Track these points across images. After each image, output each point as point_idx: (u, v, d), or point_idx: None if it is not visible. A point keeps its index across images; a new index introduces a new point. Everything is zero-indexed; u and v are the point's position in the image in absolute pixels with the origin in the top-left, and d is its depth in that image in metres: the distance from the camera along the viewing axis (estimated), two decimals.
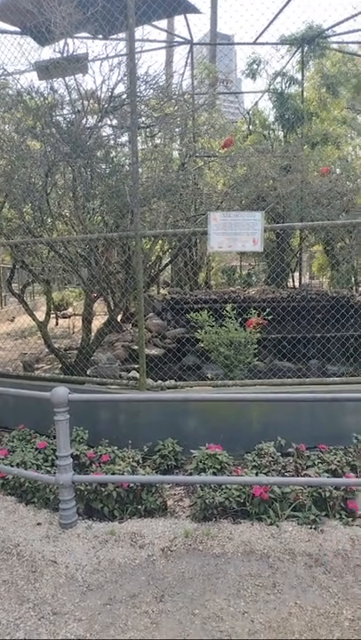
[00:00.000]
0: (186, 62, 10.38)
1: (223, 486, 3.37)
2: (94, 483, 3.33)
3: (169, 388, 4.59)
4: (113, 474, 3.43)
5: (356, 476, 3.82)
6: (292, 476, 3.64)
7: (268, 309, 6.55)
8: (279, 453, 3.89)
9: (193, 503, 3.47)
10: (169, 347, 8.35)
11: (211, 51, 13.45)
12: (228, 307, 5.75)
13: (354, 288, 10.80)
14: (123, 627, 2.35)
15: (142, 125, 5.22)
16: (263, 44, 10.34)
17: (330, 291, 10.22)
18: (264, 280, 13.77)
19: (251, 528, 3.18)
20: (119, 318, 10.88)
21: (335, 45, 10.79)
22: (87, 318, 6.78)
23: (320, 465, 3.61)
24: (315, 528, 3.15)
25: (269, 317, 6.05)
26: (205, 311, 6.32)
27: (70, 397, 3.14)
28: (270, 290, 10.02)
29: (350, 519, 3.25)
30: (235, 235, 4.14)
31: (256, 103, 12.62)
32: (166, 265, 12.61)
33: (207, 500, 3.22)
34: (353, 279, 11.88)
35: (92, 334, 6.77)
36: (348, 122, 12.80)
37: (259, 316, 6.06)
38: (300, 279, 11.97)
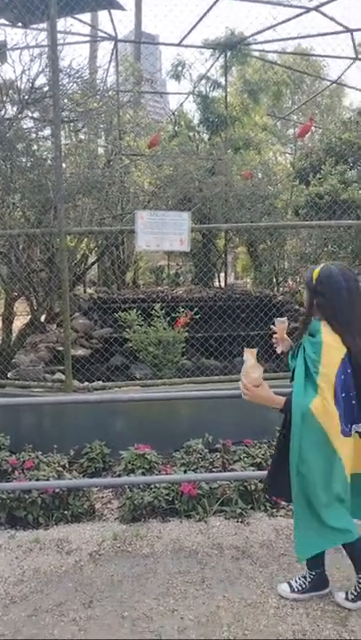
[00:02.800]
0: (110, 58, 10.24)
1: (152, 486, 3.37)
2: (17, 490, 3.18)
3: (96, 389, 4.50)
4: (37, 480, 3.30)
5: None
6: (220, 471, 3.71)
7: (195, 309, 6.65)
8: (207, 450, 3.95)
9: (122, 505, 3.42)
10: (96, 347, 8.20)
11: (135, 49, 13.40)
12: (157, 306, 5.76)
13: (275, 288, 11.25)
14: (49, 636, 2.26)
15: (66, 119, 5.07)
16: (188, 46, 10.44)
17: (253, 290, 10.58)
18: (191, 280, 13.97)
19: (180, 525, 3.20)
20: (43, 318, 10.51)
21: (256, 53, 11.18)
22: (7, 318, 6.49)
23: (246, 459, 3.71)
24: (241, 521, 3.24)
25: (197, 316, 6.14)
26: (134, 310, 6.27)
27: None
28: (197, 289, 10.18)
29: (275, 510, 3.37)
30: (162, 234, 4.15)
31: (181, 104, 12.77)
32: (93, 264, 12.37)
33: (136, 501, 3.20)
34: (274, 279, 12.39)
35: (13, 335, 6.48)
36: (269, 128, 13.33)
37: (186, 315, 6.13)
38: (225, 279, 12.27)
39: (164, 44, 10.52)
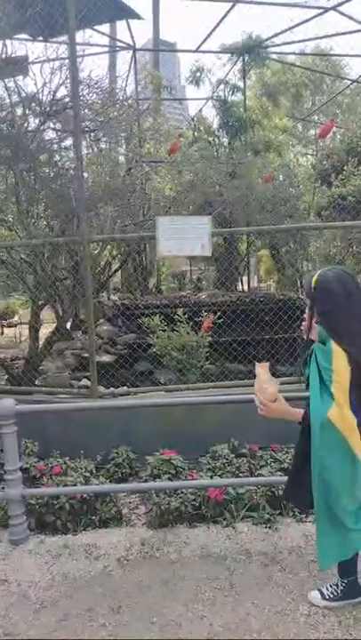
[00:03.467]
0: (129, 68, 10.38)
1: (179, 491, 3.36)
2: (46, 496, 3.22)
3: (121, 394, 4.53)
4: (65, 485, 3.33)
5: None
6: (247, 476, 3.68)
7: (218, 313, 6.62)
8: (233, 455, 3.92)
9: (149, 510, 3.43)
10: (120, 353, 8.25)
11: (154, 57, 13.56)
12: (180, 311, 5.77)
13: (299, 290, 11.13)
14: None
15: (86, 129, 5.15)
16: (205, 51, 10.51)
17: (277, 293, 10.49)
18: (214, 284, 13.95)
19: (207, 531, 3.18)
20: (68, 325, 10.66)
21: (275, 56, 11.15)
22: (34, 326, 6.60)
23: (273, 464, 3.67)
24: (269, 527, 3.20)
25: (220, 321, 6.12)
26: (157, 316, 6.30)
27: (18, 409, 3.03)
28: (220, 294, 10.15)
29: (303, 516, 3.32)
30: (183, 239, 4.16)
31: (200, 110, 12.82)
32: (116, 270, 12.49)
33: (162, 507, 3.19)
34: (298, 282, 12.26)
35: (40, 343, 6.59)
36: (289, 130, 13.25)
37: (209, 319, 6.12)
38: (248, 283, 12.21)
39: (181, 50, 10.59)
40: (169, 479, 3.53)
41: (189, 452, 4.14)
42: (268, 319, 7.19)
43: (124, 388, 5.42)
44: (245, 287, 12.49)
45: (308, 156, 15.66)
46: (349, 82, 13.33)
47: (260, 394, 2.23)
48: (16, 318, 15.55)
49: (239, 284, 13.11)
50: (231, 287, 11.60)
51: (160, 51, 12.18)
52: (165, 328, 5.79)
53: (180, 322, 5.69)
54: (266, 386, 2.22)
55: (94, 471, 3.81)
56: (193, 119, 12.69)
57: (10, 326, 14.88)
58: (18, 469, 3.07)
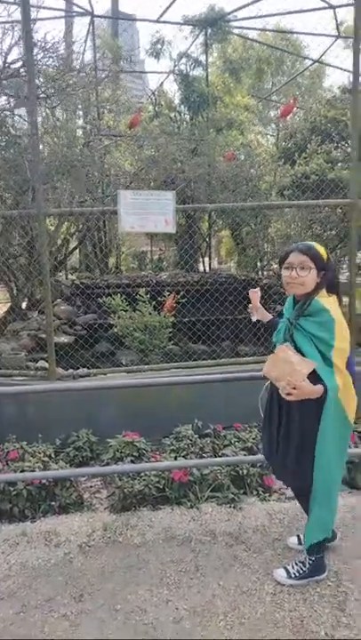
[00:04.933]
0: (87, 35, 9.88)
1: (142, 474, 3.28)
2: (1, 483, 3.05)
3: (81, 376, 4.37)
4: (22, 471, 3.18)
5: None
6: (211, 457, 3.64)
7: (180, 293, 6.52)
8: (197, 436, 3.87)
9: (111, 494, 3.34)
10: (80, 334, 8.04)
11: (113, 26, 13.00)
12: (142, 290, 5.62)
13: (260, 272, 11.17)
14: (39, 634, 2.17)
15: (41, 96, 4.84)
16: (167, 22, 10.11)
17: (239, 274, 10.49)
18: (175, 264, 13.80)
19: (171, 513, 3.12)
20: (24, 305, 10.28)
21: (237, 31, 10.91)
22: None
23: (236, 444, 3.65)
24: (234, 507, 3.17)
25: (183, 301, 6.02)
26: (118, 295, 6.13)
27: None
28: (182, 274, 10.03)
29: (267, 494, 3.32)
30: (146, 215, 3.99)
31: (162, 84, 12.45)
32: (74, 248, 12.13)
33: (125, 490, 3.10)
34: (259, 263, 12.31)
35: None
36: (251, 108, 13.09)
37: (173, 298, 6.01)
38: (209, 263, 12.14)
39: (142, 19, 10.17)
40: (132, 462, 3.44)
41: (153, 433, 4.06)
42: (231, 299, 7.15)
43: (85, 369, 5.26)
44: (207, 268, 12.42)
45: (269, 137, 15.62)
46: (310, 62, 13.30)
47: (293, 376, 2.14)
48: None
49: (200, 264, 13.03)
50: (192, 268, 11.50)
51: (120, 19, 11.67)
52: (127, 308, 5.63)
53: (143, 302, 5.55)
54: (299, 368, 2.14)
55: (53, 455, 3.67)
56: (153, 93, 12.31)
57: None
58: None
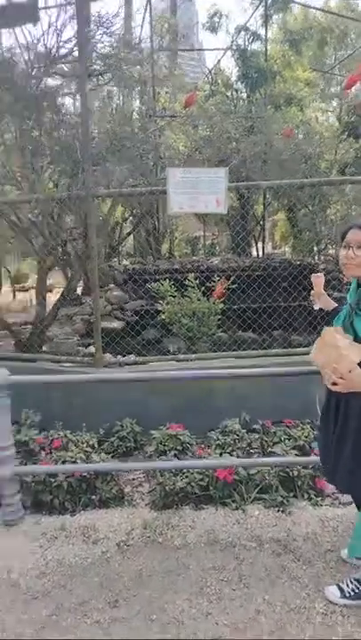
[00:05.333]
0: (145, 11, 9.62)
1: (185, 469, 3.11)
2: (42, 474, 2.99)
3: (128, 364, 4.25)
4: (63, 462, 3.11)
5: None
6: (259, 454, 3.42)
7: (231, 278, 6.25)
8: (245, 430, 3.66)
9: (153, 489, 3.20)
10: (129, 319, 8.00)
11: (171, 5, 12.63)
12: (191, 276, 5.40)
13: (317, 256, 10.63)
14: None
15: (95, 72, 4.68)
16: None
17: (293, 259, 10.03)
18: (227, 249, 13.48)
19: (215, 514, 2.94)
20: (79, 290, 10.38)
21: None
22: (41, 291, 6.31)
23: (287, 441, 3.40)
24: (283, 511, 2.94)
25: (233, 286, 5.76)
26: (167, 281, 5.96)
27: (11, 379, 2.76)
28: (233, 259, 9.73)
29: (319, 499, 3.06)
30: (196, 194, 3.76)
31: (219, 61, 12.03)
32: (128, 234, 12.11)
33: (167, 487, 2.95)
34: (315, 248, 11.75)
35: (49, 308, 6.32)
36: (312, 83, 12.39)
37: (222, 284, 5.76)
38: (263, 248, 11.71)
39: None
40: (175, 456, 3.29)
41: (198, 425, 3.89)
42: (285, 285, 6.80)
43: (131, 356, 5.17)
44: (260, 253, 12.01)
45: (329, 113, 14.75)
46: None
47: (340, 362, 1.86)
48: (30, 282, 15.27)
49: (253, 249, 12.62)
50: (245, 252, 11.13)
51: None
52: (175, 294, 5.44)
53: (191, 287, 5.34)
54: (346, 352, 1.85)
55: (96, 445, 3.58)
56: (210, 71, 11.90)
57: (22, 290, 14.64)
58: (11, 445, 2.83)
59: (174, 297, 5.36)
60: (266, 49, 10.24)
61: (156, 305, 6.23)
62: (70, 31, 5.03)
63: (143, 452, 3.84)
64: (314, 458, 2.92)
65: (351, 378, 1.86)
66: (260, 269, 8.34)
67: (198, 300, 5.37)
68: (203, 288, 5.64)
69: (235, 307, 6.92)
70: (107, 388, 4.06)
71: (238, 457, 3.28)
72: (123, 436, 3.78)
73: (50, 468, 2.96)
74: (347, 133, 8.27)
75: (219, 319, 5.50)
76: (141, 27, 9.31)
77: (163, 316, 5.49)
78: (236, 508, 2.97)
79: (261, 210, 11.34)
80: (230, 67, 11.40)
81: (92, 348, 6.25)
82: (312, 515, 2.93)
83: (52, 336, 6.59)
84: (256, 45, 10.42)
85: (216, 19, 10.19)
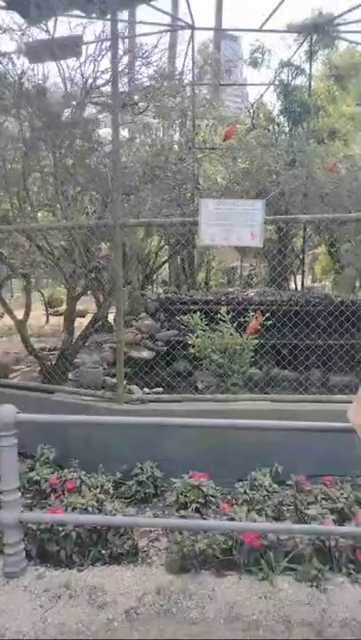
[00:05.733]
0: (187, 47, 9.76)
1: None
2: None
3: (151, 401, 3.99)
4: (74, 509, 2.84)
5: None
6: (292, 516, 3.06)
7: (267, 313, 5.97)
8: (275, 484, 3.31)
9: (170, 545, 2.88)
10: (160, 349, 7.79)
11: (216, 40, 12.85)
12: (223, 309, 5.15)
13: (360, 293, 10.21)
14: None
15: (131, 102, 4.63)
16: (270, 31, 9.70)
17: (334, 295, 9.64)
18: (265, 282, 13.20)
19: (238, 584, 2.59)
20: (111, 317, 10.28)
21: (345, 35, 10.18)
22: (69, 316, 6.21)
23: (324, 502, 3.03)
24: (317, 586, 2.56)
25: (268, 323, 5.45)
26: (198, 313, 5.73)
27: (19, 418, 2.55)
28: (270, 292, 9.43)
29: (359, 574, 2.66)
30: (230, 226, 3.55)
31: (261, 96, 12.01)
32: (164, 262, 12.04)
33: (186, 549, 2.63)
34: (358, 283, 11.31)
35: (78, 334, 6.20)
36: (358, 117, 12.18)
37: (256, 318, 5.48)
38: (302, 281, 11.37)
39: (243, 30, 9.83)
40: (197, 510, 2.97)
41: (224, 475, 3.57)
42: (325, 324, 6.44)
43: (156, 392, 4.94)
44: (298, 286, 11.66)
45: None
46: None
47: None
48: (64, 307, 15.40)
49: (292, 282, 12.29)
50: (283, 285, 10.82)
51: (221, 30, 11.44)
52: (205, 328, 5.19)
53: (223, 321, 5.08)
54: None
55: (112, 489, 3.30)
56: (252, 105, 11.91)
57: (56, 315, 14.76)
58: (16, 489, 2.60)
59: (204, 331, 5.10)
60: (310, 83, 10.14)
61: (187, 336, 5.99)
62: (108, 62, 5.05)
63: (163, 499, 3.53)
64: (355, 529, 2.55)
65: None
66: (297, 304, 8.01)
67: (231, 334, 5.09)
68: (236, 322, 5.38)
69: (270, 342, 6.60)
70: (127, 426, 3.81)
71: (267, 516, 2.92)
72: (142, 480, 3.49)
73: (56, 517, 2.69)
74: None
75: (252, 356, 5.19)
76: (184, 59, 9.41)
77: (192, 350, 5.23)
78: (263, 579, 2.61)
79: (301, 243, 11.06)
80: (272, 101, 11.33)
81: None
82: (352, 594, 2.54)
83: (79, 363, 6.44)
84: (299, 80, 10.36)
85: (258, 54, 10.19)
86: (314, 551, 2.69)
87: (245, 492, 3.15)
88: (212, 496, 3.10)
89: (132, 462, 3.69)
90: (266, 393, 5.26)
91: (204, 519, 2.90)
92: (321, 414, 3.74)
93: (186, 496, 3.06)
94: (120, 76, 4.04)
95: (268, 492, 3.14)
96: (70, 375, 5.98)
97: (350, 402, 3.60)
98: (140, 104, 4.88)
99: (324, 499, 3.07)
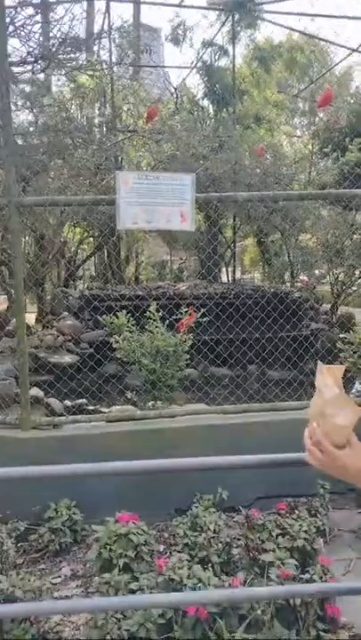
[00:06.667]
0: (103, 21, 8.95)
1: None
2: None
3: (66, 423, 3.25)
4: None
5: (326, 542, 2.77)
6: (240, 558, 2.48)
7: (202, 309, 5.42)
8: (222, 513, 2.73)
9: (89, 624, 2.19)
10: (86, 352, 7.02)
11: (135, 16, 11.99)
12: (152, 306, 4.48)
13: (291, 283, 9.99)
14: None
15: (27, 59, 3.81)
16: (190, 7, 9.16)
17: (267, 286, 9.33)
18: (195, 274, 12.76)
19: None
20: (33, 318, 9.35)
21: (268, 16, 9.84)
22: None
23: (280, 538, 2.48)
24: None
25: (204, 319, 4.89)
26: (124, 311, 5.04)
27: None
28: (202, 285, 8.93)
29: (330, 634, 2.13)
30: (155, 205, 2.89)
31: (184, 80, 11.45)
32: (89, 256, 11.19)
33: (111, 635, 1.96)
34: (290, 273, 11.13)
35: None
36: (280, 105, 11.98)
37: (190, 315, 4.89)
38: (233, 273, 11.00)
39: (162, 4, 9.16)
40: (125, 567, 2.31)
41: (160, 506, 2.95)
42: (262, 316, 5.99)
43: (78, 405, 4.24)
44: (229, 278, 11.30)
45: (296, 138, 14.42)
46: (346, 53, 12.09)
47: (322, 424, 0.99)
48: None
49: (223, 275, 11.94)
50: (215, 278, 10.40)
51: (140, 3, 10.65)
52: (133, 329, 4.51)
53: (153, 320, 4.42)
54: (331, 411, 0.98)
55: (13, 542, 2.56)
56: (176, 89, 11.31)
57: None
58: None
59: (131, 332, 4.42)
60: (233, 65, 9.71)
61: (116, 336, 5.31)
62: None
63: (85, 547, 2.84)
64: (327, 585, 2.01)
65: (333, 455, 0.98)
66: (231, 297, 7.57)
67: (162, 334, 4.45)
68: (168, 318, 4.77)
69: (204, 338, 6.07)
70: (38, 453, 3.06)
71: (214, 567, 2.32)
72: (56, 527, 2.76)
73: None
74: (330, 149, 7.68)
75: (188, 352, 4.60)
76: (100, 33, 8.60)
77: (118, 355, 4.53)
78: None
79: (231, 234, 10.69)
80: (195, 82, 10.81)
81: (35, 390, 5.26)
82: None
83: None
84: (223, 62, 9.90)
85: (179, 31, 9.60)
86: (275, 612, 2.12)
87: (185, 535, 2.53)
88: (145, 544, 2.45)
89: (44, 502, 2.95)
90: (204, 394, 4.72)
91: (136, 579, 2.25)
92: (271, 426, 3.23)
93: (111, 550, 2.38)
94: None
95: (213, 531, 2.53)
96: None
97: (300, 408, 3.01)
98: (36, 60, 4.05)
99: (280, 534, 2.52)
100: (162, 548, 2.79)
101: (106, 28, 9.07)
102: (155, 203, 2.89)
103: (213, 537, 2.49)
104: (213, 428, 3.12)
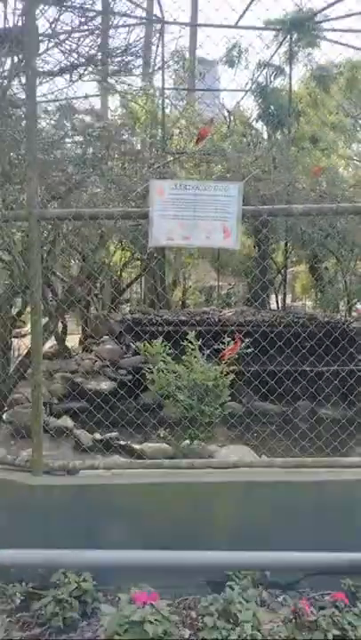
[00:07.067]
0: (157, 45, 8.89)
1: None
2: None
3: (82, 468, 2.82)
4: None
5: None
6: None
7: (246, 335, 4.92)
8: (263, 587, 2.20)
9: None
10: (124, 379, 6.66)
11: (191, 42, 11.94)
12: (191, 334, 4.02)
13: (346, 312, 9.29)
14: None
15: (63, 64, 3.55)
16: (246, 27, 8.92)
17: (321, 314, 8.69)
18: (243, 300, 12.30)
19: None
20: (77, 341, 9.19)
21: (327, 34, 9.45)
22: (3, 342, 5.04)
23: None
24: None
25: (249, 350, 4.39)
26: (162, 337, 4.62)
27: None
28: (250, 311, 8.43)
29: None
30: (194, 219, 2.47)
31: (238, 103, 11.18)
32: (134, 279, 11.00)
33: None
34: (343, 302, 10.40)
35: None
36: (339, 126, 11.42)
37: (235, 343, 4.40)
38: (283, 300, 10.41)
39: (218, 25, 8.98)
40: None
41: (186, 578, 2.45)
42: (316, 347, 5.41)
43: (113, 434, 3.91)
44: (279, 305, 10.71)
45: (355, 162, 13.78)
46: None
47: None
48: (27, 329, 14.11)
49: (272, 301, 11.39)
50: (262, 304, 9.86)
51: (193, 25, 10.58)
52: (168, 358, 4.06)
53: (192, 349, 3.96)
54: None
55: (14, 611, 2.13)
56: (229, 112, 11.06)
57: (15, 337, 13.38)
58: None
59: (165, 362, 3.97)
60: (290, 86, 9.33)
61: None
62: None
63: (96, 624, 2.36)
64: None
65: None
66: (281, 325, 7.02)
67: (201, 365, 3.98)
68: (210, 348, 4.30)
69: (250, 369, 5.54)
70: (48, 502, 2.65)
71: None
72: (62, 598, 2.31)
73: None
74: None
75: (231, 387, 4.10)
76: (154, 59, 8.53)
77: (152, 388, 4.09)
78: None
79: (282, 258, 10.17)
80: (249, 104, 10.50)
81: (62, 420, 4.94)
82: None
83: (21, 399, 5.31)
84: (278, 82, 9.54)
85: (234, 52, 9.35)
86: None
87: (215, 626, 2.01)
88: (165, 635, 1.95)
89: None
90: (247, 428, 4.16)
91: None
92: (327, 487, 2.66)
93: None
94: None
95: (251, 626, 1.99)
96: (5, 416, 4.86)
97: None
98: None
99: (337, 637, 1.95)
100: (187, 633, 2.26)
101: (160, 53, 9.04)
102: (194, 216, 2.48)
103: (251, 634, 1.95)
104: (254, 486, 2.59)
